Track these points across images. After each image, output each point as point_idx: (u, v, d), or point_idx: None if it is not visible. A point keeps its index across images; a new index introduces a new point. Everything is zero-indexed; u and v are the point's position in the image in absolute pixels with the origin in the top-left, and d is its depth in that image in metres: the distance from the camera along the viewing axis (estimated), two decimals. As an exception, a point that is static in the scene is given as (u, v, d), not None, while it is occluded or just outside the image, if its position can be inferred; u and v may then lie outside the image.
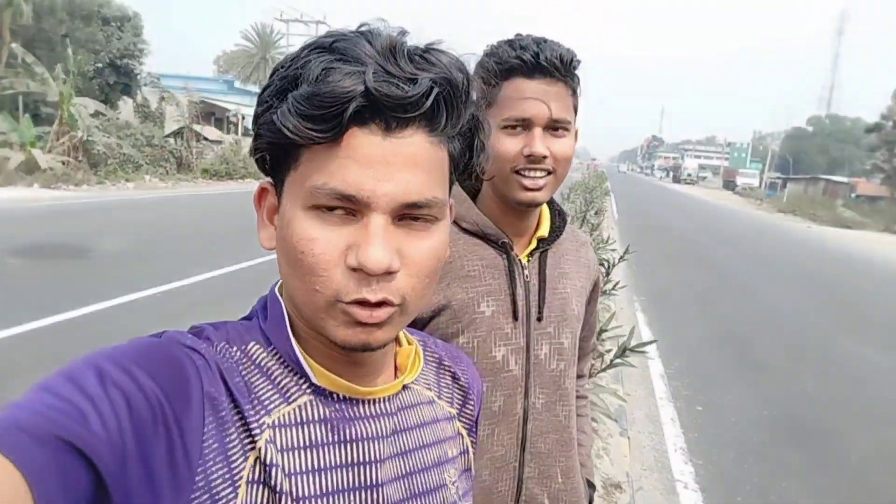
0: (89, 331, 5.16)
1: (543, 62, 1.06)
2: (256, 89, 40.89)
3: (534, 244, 1.20)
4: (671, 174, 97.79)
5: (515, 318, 1.14)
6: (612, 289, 4.86)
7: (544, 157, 1.08)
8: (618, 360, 3.30)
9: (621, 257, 5.78)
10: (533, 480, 1.15)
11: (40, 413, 0.43)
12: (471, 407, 0.77)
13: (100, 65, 23.14)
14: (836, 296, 11.08)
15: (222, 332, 0.60)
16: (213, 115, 29.13)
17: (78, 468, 0.42)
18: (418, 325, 1.11)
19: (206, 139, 23.45)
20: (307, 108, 0.51)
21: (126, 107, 25.09)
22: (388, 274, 0.53)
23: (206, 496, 0.50)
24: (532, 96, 1.07)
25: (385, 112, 0.52)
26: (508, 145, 1.09)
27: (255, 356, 0.59)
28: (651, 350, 6.36)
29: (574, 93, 1.11)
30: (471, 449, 0.76)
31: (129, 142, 19.23)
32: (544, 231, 1.21)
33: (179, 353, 0.54)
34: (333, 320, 0.55)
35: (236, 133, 29.29)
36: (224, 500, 0.51)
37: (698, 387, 5.57)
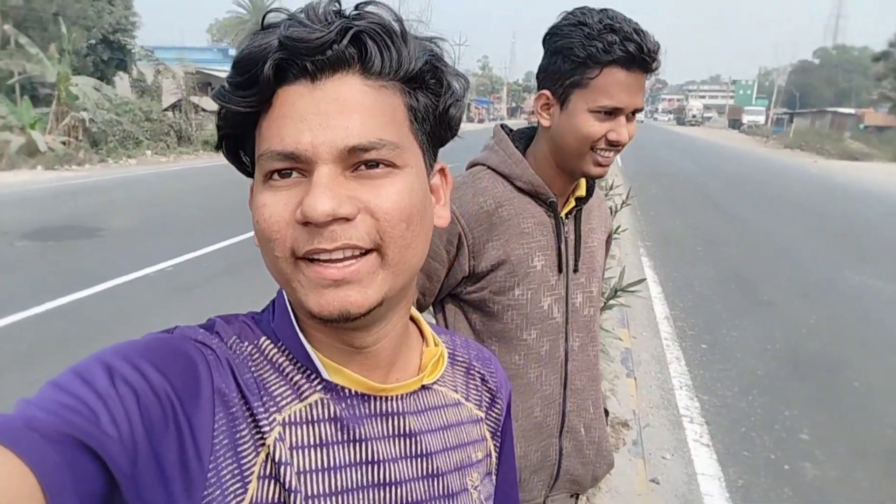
0: (103, 309, 5.29)
1: (645, 56, 1.11)
2: (251, 56, 40.44)
3: (573, 203, 1.31)
4: (675, 117, 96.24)
5: (560, 270, 1.27)
6: (615, 232, 4.91)
7: (624, 143, 1.18)
8: (611, 302, 3.37)
9: (624, 202, 5.82)
10: (573, 413, 1.32)
11: (52, 411, 0.43)
12: (497, 409, 0.74)
13: (93, 41, 22.92)
14: (842, 229, 11.08)
15: (234, 328, 0.59)
16: (209, 85, 28.85)
17: (89, 466, 0.42)
18: (474, 279, 1.23)
19: (204, 110, 23.30)
20: (234, 76, 0.53)
21: (122, 83, 24.93)
22: (343, 221, 0.51)
23: (217, 491, 0.50)
24: (627, 89, 1.13)
25: (304, 59, 0.51)
26: (596, 128, 1.16)
27: (266, 351, 0.59)
28: (656, 293, 6.46)
29: (649, 77, 1.19)
30: (494, 453, 0.73)
31: (128, 118, 19.17)
32: (582, 191, 1.32)
33: (190, 349, 0.54)
34: (301, 286, 0.53)
35: (234, 102, 28.94)
36: (234, 496, 0.51)
37: (704, 326, 5.67)
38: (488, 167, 1.28)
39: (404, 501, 0.59)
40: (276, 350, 0.59)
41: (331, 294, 0.52)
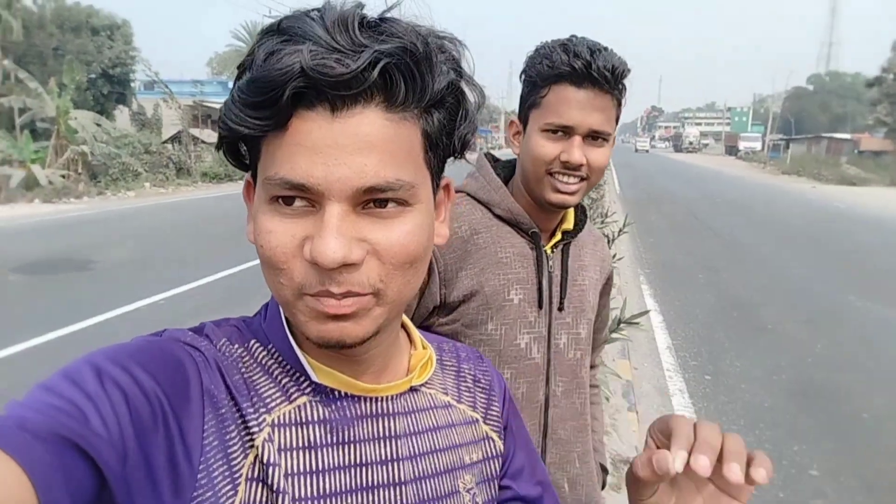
0: (92, 344, 5.12)
1: (594, 72, 1.06)
2: (250, 89, 41.01)
3: (558, 236, 1.23)
4: (672, 144, 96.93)
5: (540, 306, 1.18)
6: (613, 259, 4.83)
7: (580, 166, 1.10)
8: (613, 335, 3.27)
9: (621, 230, 5.74)
10: (555, 466, 1.20)
11: (42, 412, 0.43)
12: (496, 407, 0.74)
13: (93, 75, 23.18)
14: (843, 255, 10.99)
15: (223, 330, 0.60)
16: (209, 117, 29.12)
17: (81, 467, 0.42)
18: (446, 310, 1.14)
19: (203, 142, 23.44)
20: (248, 95, 0.48)
21: (122, 116, 25.14)
22: (350, 266, 0.50)
23: (209, 492, 0.50)
24: (577, 106, 1.08)
25: (328, 91, 0.48)
26: (547, 149, 1.11)
27: (256, 354, 0.59)
28: (657, 322, 6.35)
29: (619, 104, 1.12)
30: (501, 450, 0.72)
31: (127, 151, 19.27)
32: (569, 224, 1.25)
33: (179, 351, 0.54)
34: (302, 315, 0.53)
35: (233, 134, 29.19)
36: (225, 497, 0.50)
37: (706, 356, 5.55)
38: (467, 194, 1.22)
39: (395, 503, 0.59)
40: (265, 352, 0.59)
41: (331, 325, 0.52)
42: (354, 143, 0.49)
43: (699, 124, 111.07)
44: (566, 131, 1.10)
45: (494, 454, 0.71)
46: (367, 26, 0.49)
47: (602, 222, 6.57)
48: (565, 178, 1.12)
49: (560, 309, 1.20)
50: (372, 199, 0.51)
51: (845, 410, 4.50)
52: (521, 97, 1.16)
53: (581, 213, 1.27)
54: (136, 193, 17.96)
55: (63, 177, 16.54)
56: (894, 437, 4.08)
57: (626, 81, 1.11)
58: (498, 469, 0.71)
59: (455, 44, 0.54)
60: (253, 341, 0.60)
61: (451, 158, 0.60)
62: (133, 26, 25.53)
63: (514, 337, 1.15)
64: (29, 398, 0.45)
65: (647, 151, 74.67)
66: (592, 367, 1.42)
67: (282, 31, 0.49)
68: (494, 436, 0.71)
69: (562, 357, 1.20)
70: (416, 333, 0.70)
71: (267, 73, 0.47)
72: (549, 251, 1.21)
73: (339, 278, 0.50)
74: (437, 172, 0.58)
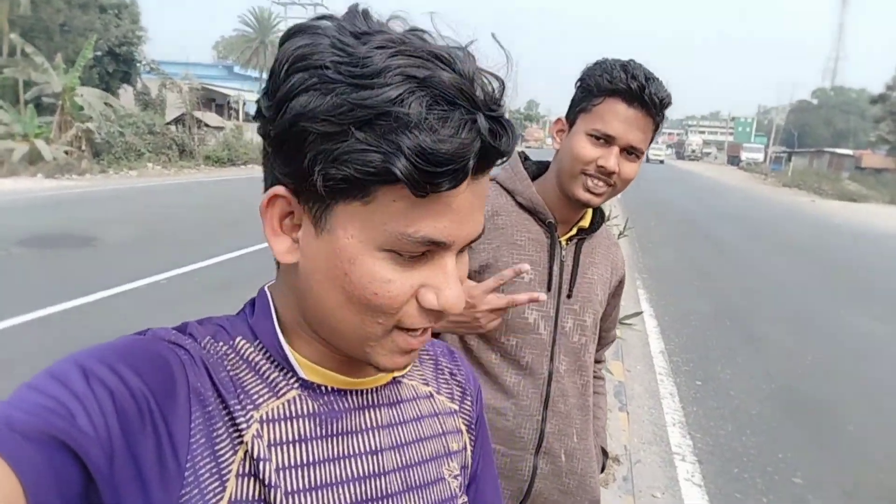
0: (93, 319, 5.24)
1: (646, 96, 1.19)
2: (256, 74, 40.84)
3: (574, 231, 1.36)
4: (675, 151, 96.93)
5: (549, 289, 1.30)
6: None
7: (612, 173, 1.23)
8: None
9: (621, 233, 5.81)
10: (553, 435, 1.31)
11: (29, 411, 0.43)
12: (469, 403, 0.76)
13: (99, 53, 23.10)
14: (838, 269, 11.09)
15: (207, 328, 0.60)
16: (213, 101, 29.08)
17: (69, 466, 0.43)
18: None
19: (207, 125, 23.41)
20: (425, 163, 0.46)
21: (126, 95, 25.10)
22: None
23: (195, 490, 0.50)
24: (624, 120, 1.21)
25: (491, 162, 0.51)
26: (588, 150, 1.23)
27: (242, 351, 0.59)
28: (652, 327, 6.42)
29: (657, 128, 1.26)
30: (469, 446, 0.75)
31: (131, 130, 19.24)
32: (586, 223, 1.37)
33: (164, 350, 0.54)
34: (384, 349, 0.56)
35: (237, 119, 29.24)
36: (213, 494, 0.51)
37: (698, 361, 5.63)
38: (495, 181, 1.36)
39: (382, 493, 0.61)
40: (251, 349, 0.59)
41: (405, 358, 0.58)
42: (479, 203, 0.54)
43: (702, 132, 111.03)
44: (608, 140, 1.21)
45: (465, 446, 0.74)
46: (496, 92, 0.51)
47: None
48: (596, 181, 1.24)
49: (569, 296, 1.32)
50: None
51: (831, 421, 4.59)
52: (574, 100, 1.28)
53: (599, 216, 1.39)
54: (138, 173, 17.95)
55: (66, 153, 16.52)
56: (877, 449, 4.17)
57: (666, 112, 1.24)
58: (469, 459, 0.74)
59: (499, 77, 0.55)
60: (239, 338, 0.60)
61: None
62: (140, 6, 25.48)
63: (523, 311, 1.27)
64: (15, 397, 0.45)
65: (661, 162, 63.51)
66: (599, 361, 1.53)
67: (428, 85, 0.47)
68: (464, 429, 0.74)
69: (567, 339, 1.32)
70: None
71: (452, 147, 0.46)
72: (563, 242, 1.33)
73: (439, 317, 0.55)
74: None
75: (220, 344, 0.59)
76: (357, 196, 0.50)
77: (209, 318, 0.62)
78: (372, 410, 0.63)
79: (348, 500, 0.58)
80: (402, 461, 0.63)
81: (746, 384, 5.18)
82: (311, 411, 0.59)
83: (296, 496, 0.55)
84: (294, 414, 0.58)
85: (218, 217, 11.02)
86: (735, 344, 6.30)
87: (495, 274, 1.20)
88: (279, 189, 0.53)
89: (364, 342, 0.56)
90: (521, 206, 1.32)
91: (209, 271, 7.14)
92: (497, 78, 0.52)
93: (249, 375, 0.58)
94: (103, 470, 0.44)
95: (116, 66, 24.80)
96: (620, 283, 1.47)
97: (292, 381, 0.59)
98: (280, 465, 0.55)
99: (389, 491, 0.61)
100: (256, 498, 0.53)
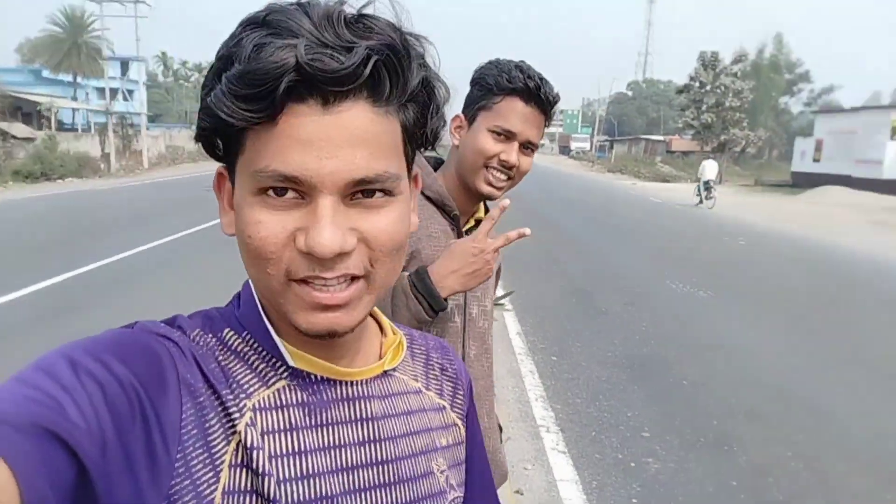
0: None
1: (542, 95, 1.30)
2: (69, 78, 37.00)
3: (472, 223, 1.44)
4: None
5: None
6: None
7: (513, 167, 1.33)
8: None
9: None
10: None
11: (19, 404, 0.43)
12: (461, 396, 0.76)
13: None
14: (662, 244, 12.38)
15: (196, 321, 0.60)
16: (20, 109, 25.94)
17: (61, 457, 0.42)
18: None
19: (14, 138, 20.85)
20: (239, 87, 0.48)
21: None
22: (342, 255, 0.52)
23: (187, 481, 0.50)
24: (522, 118, 1.31)
25: (321, 86, 0.49)
26: (490, 145, 1.32)
27: (230, 342, 0.59)
28: (507, 309, 6.76)
29: (547, 124, 1.38)
30: (463, 443, 0.74)
31: (-86, 146, 16.65)
32: (481, 214, 1.47)
33: (153, 342, 0.53)
34: (291, 305, 0.54)
35: (50, 128, 26.28)
36: (206, 485, 0.51)
37: (552, 339, 6.05)
38: None
39: (370, 485, 0.60)
40: (239, 340, 0.59)
41: (321, 316, 0.54)
42: (345, 137, 0.51)
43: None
44: (509, 136, 1.31)
45: (460, 440, 0.73)
46: (351, 23, 0.51)
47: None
48: (498, 174, 1.34)
49: None
50: (360, 190, 0.53)
51: (668, 379, 5.14)
52: (471, 98, 1.35)
53: (487, 209, 1.49)
54: (-71, 195, 15.60)
55: None
56: (709, 399, 4.75)
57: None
58: (464, 454, 0.73)
59: (421, 41, 0.56)
60: (227, 329, 0.60)
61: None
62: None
63: None
64: (3, 391, 0.44)
65: None
66: None
67: (267, 24, 0.50)
68: (459, 423, 0.74)
69: (474, 325, 1.40)
70: (385, 321, 0.72)
71: (262, 65, 0.47)
72: (463, 233, 1.41)
73: (330, 264, 0.52)
74: (411, 164, 0.61)
75: (209, 335, 0.59)
76: (238, 150, 0.53)
77: (199, 310, 0.62)
78: (361, 402, 0.62)
79: (339, 489, 0.58)
80: (391, 454, 0.63)
81: (595, 354, 5.65)
82: (300, 401, 0.58)
83: (288, 484, 0.54)
84: (284, 403, 0.57)
85: (35, 240, 9.90)
86: (582, 319, 6.83)
87: (419, 263, 1.29)
88: (220, 167, 0.58)
89: (274, 300, 0.55)
90: (429, 199, 1.36)
91: (27, 301, 6.40)
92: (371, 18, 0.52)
93: (239, 366, 0.58)
94: (96, 461, 0.43)
95: None
96: (500, 269, 1.57)
97: (281, 370, 0.59)
98: (272, 454, 0.55)
99: (378, 482, 0.61)
100: (250, 488, 0.53)
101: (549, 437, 4.02)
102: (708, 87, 36.56)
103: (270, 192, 0.52)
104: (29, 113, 26.77)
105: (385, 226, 0.54)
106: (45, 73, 36.16)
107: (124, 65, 38.69)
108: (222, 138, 0.55)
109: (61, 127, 30.03)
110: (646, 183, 32.97)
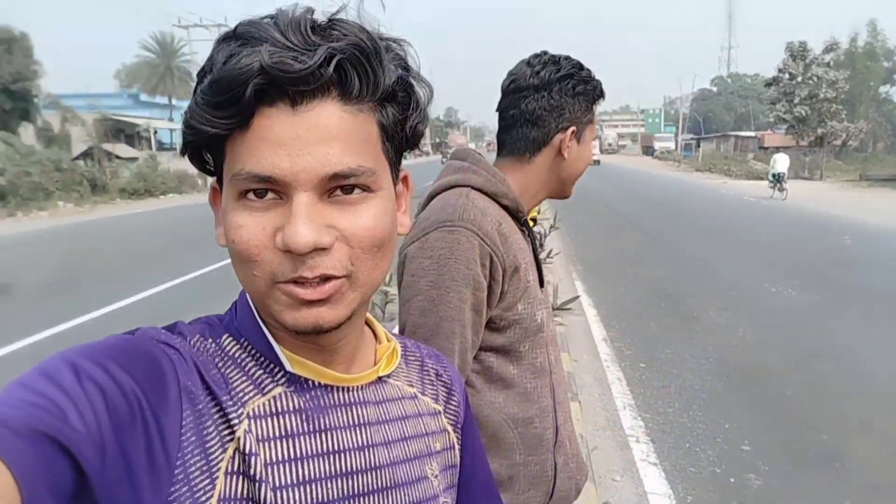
0: (17, 368, 4.89)
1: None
2: (164, 100, 39.50)
3: (532, 223, 1.40)
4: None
5: (542, 285, 1.33)
6: (548, 257, 4.99)
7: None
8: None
9: (552, 226, 5.93)
10: (562, 427, 1.33)
11: (20, 409, 0.43)
12: (455, 402, 0.77)
13: (-9, 91, 21.81)
14: (759, 244, 11.69)
15: (196, 327, 0.61)
16: (122, 131, 27.87)
17: (61, 462, 0.42)
18: (498, 287, 1.20)
19: (119, 157, 22.42)
20: (211, 96, 0.51)
21: (27, 132, 23.77)
22: (321, 251, 0.53)
23: (185, 488, 0.50)
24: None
25: (287, 87, 0.51)
26: (590, 154, 1.37)
27: (228, 349, 0.60)
28: (592, 316, 6.57)
29: None
30: (457, 445, 0.75)
31: (36, 168, 18.20)
32: (536, 213, 1.42)
33: (154, 349, 0.54)
34: (277, 304, 0.55)
35: (150, 148, 28.10)
36: (202, 492, 0.51)
37: (640, 345, 5.80)
38: (473, 188, 1.26)
39: (368, 489, 0.61)
40: (237, 347, 0.60)
41: (306, 311, 0.55)
42: (316, 134, 0.52)
43: (616, 126, 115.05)
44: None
45: (450, 445, 0.74)
46: (319, 28, 0.52)
47: (534, 220, 6.77)
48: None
49: (542, 286, 1.35)
50: (337, 187, 0.54)
51: (769, 389, 4.81)
52: (578, 108, 1.32)
53: None
54: (49, 213, 17.00)
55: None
56: (817, 411, 4.40)
57: None
58: (456, 459, 0.74)
59: (400, 44, 0.58)
60: (225, 336, 0.61)
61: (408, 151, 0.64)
62: (33, 39, 24.17)
63: (534, 314, 1.26)
64: (4, 395, 0.45)
65: (597, 163, 48.13)
66: None
67: (238, 37, 0.52)
68: (450, 429, 0.75)
69: (549, 329, 1.33)
70: (380, 328, 0.73)
71: (228, 72, 0.50)
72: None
73: (311, 263, 0.53)
74: (395, 164, 0.62)
75: (209, 342, 0.60)
76: (223, 160, 0.55)
77: (199, 317, 0.63)
78: (357, 408, 0.63)
79: (334, 496, 0.58)
80: (386, 459, 0.64)
81: (687, 362, 5.36)
82: (296, 407, 0.59)
83: (284, 491, 0.55)
84: (280, 410, 0.58)
85: (140, 251, 10.56)
86: (672, 325, 6.51)
87: (516, 282, 1.22)
88: (213, 182, 0.61)
89: (262, 301, 0.56)
90: (506, 208, 1.28)
91: (133, 308, 6.84)
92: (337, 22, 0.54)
93: (237, 373, 0.58)
94: (96, 467, 0.43)
95: (13, 104, 23.41)
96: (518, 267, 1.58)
97: (278, 377, 0.60)
98: (269, 461, 0.55)
99: (374, 487, 0.61)
100: (244, 496, 0.53)
101: (639, 448, 3.84)
102: (799, 79, 34.43)
103: (251, 195, 0.53)
104: (130, 134, 28.77)
105: (364, 222, 0.55)
106: (143, 97, 38.78)
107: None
108: (209, 151, 0.57)
109: (160, 146, 32.01)
110: (738, 181, 31.45)
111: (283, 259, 0.53)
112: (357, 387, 0.64)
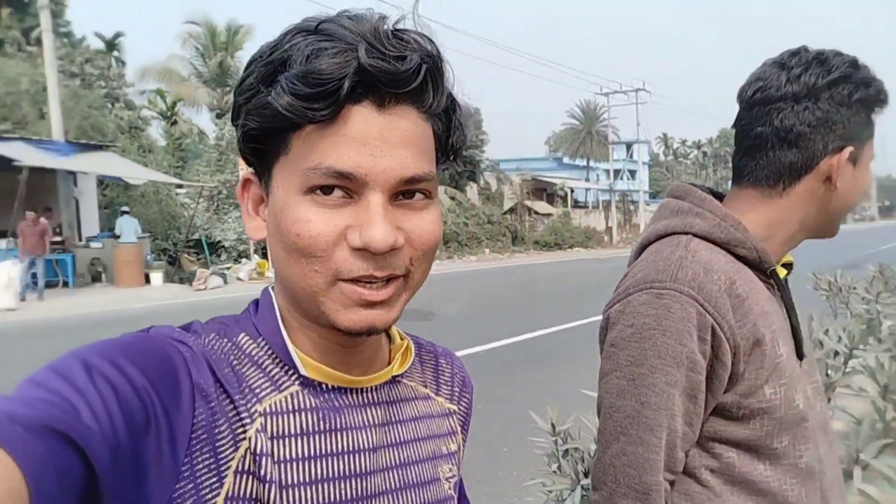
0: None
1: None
2: (583, 163, 42.94)
3: (783, 272, 1.04)
4: None
5: (799, 357, 1.01)
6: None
7: None
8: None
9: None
10: None
11: (32, 406, 0.43)
12: (466, 402, 0.77)
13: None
14: None
15: (212, 326, 0.61)
16: (544, 190, 31.35)
17: (72, 459, 0.42)
18: (731, 383, 0.95)
19: (536, 213, 25.29)
20: (302, 86, 0.50)
21: (472, 191, 28.92)
22: (393, 251, 0.54)
23: (190, 485, 0.50)
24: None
25: (379, 88, 0.52)
26: (870, 179, 1.04)
27: (245, 346, 0.60)
28: None
29: None
30: (462, 447, 0.74)
31: (473, 221, 21.90)
32: (791, 257, 1.07)
33: (167, 346, 0.54)
34: (334, 303, 0.55)
35: (564, 205, 30.98)
36: (208, 490, 0.51)
37: None
38: (695, 235, 1.00)
39: (380, 490, 0.61)
40: (254, 345, 0.60)
41: (363, 313, 0.55)
42: (397, 137, 0.53)
43: None
44: None
45: (459, 445, 0.73)
46: (394, 36, 0.53)
47: None
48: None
49: (800, 357, 1.02)
50: (402, 191, 0.55)
51: None
52: (856, 121, 0.98)
53: None
54: (476, 258, 20.21)
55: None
56: None
57: None
58: (461, 461, 0.73)
59: (446, 61, 0.58)
60: (242, 335, 0.61)
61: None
62: (483, 113, 29.39)
63: (793, 398, 0.96)
64: (18, 392, 0.45)
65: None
66: None
67: (319, 32, 0.53)
68: (459, 429, 0.74)
69: (816, 413, 1.01)
70: (392, 327, 0.70)
71: (324, 66, 0.50)
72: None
73: (382, 262, 0.53)
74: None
75: (224, 340, 0.60)
76: (280, 151, 0.55)
77: (215, 317, 0.64)
78: (371, 408, 0.63)
79: (346, 496, 0.58)
80: (399, 459, 0.63)
81: None
82: (312, 406, 0.59)
83: (294, 489, 0.55)
84: (297, 407, 0.58)
85: (541, 294, 11.66)
86: None
87: (759, 363, 0.94)
88: (247, 173, 0.62)
89: (314, 298, 0.55)
90: (741, 258, 1.00)
91: (521, 346, 7.55)
92: (410, 33, 0.55)
93: (252, 370, 0.58)
94: (106, 464, 0.43)
95: (464, 167, 28.84)
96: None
97: (293, 378, 0.59)
98: (281, 458, 0.55)
99: (386, 488, 0.61)
100: (253, 496, 0.53)
101: None
102: None
103: (318, 192, 0.53)
104: (551, 193, 32.19)
105: (427, 226, 0.56)
106: (566, 160, 42.90)
107: (629, 147, 42.80)
108: (261, 142, 0.56)
109: (576, 204, 34.94)
110: None
111: (351, 256, 0.53)
112: (371, 387, 0.64)
